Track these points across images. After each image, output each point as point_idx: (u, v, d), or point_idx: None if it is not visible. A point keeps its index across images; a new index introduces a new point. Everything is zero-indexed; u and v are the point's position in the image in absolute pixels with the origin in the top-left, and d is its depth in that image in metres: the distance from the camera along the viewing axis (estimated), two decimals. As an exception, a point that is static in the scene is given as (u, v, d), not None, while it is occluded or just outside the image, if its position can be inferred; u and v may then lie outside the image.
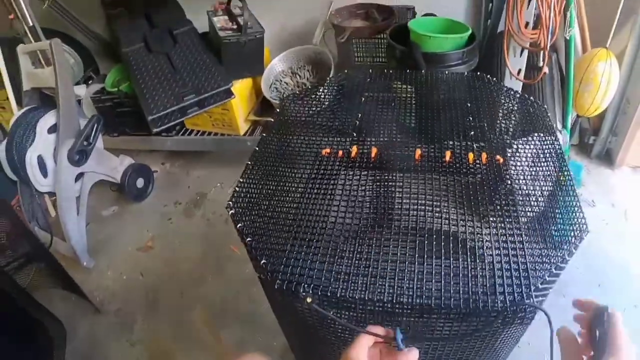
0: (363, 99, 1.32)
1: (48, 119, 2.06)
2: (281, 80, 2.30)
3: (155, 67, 2.12)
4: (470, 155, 1.11)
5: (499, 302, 0.76)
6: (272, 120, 1.26)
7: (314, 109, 1.33)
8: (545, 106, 1.24)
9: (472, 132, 1.18)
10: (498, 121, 1.27)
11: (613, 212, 1.96)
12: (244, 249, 1.95)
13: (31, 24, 2.15)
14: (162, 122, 2.01)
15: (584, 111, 1.89)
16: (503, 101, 1.29)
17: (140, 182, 2.38)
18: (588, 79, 1.80)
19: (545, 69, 1.83)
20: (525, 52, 1.87)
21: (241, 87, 2.21)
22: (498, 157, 1.11)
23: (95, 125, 2.06)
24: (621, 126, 2.14)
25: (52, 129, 2.07)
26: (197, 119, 2.29)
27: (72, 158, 2.03)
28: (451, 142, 1.15)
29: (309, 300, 0.81)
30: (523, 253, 0.84)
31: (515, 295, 0.77)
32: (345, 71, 1.44)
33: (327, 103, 1.34)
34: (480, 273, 0.81)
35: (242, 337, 1.68)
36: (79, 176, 2.13)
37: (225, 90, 2.05)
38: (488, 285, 0.79)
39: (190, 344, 1.70)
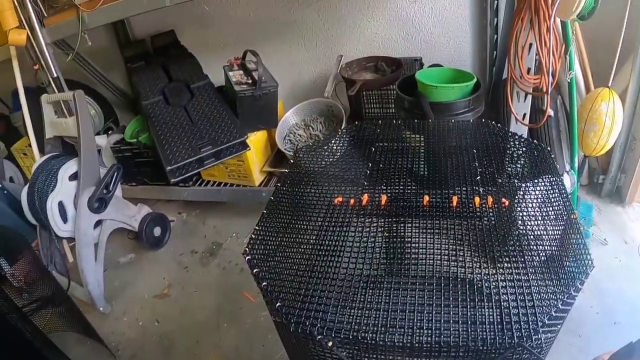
0: (373, 149, 1.37)
1: (70, 167, 2.15)
2: (295, 132, 2.37)
3: (174, 120, 2.20)
4: (477, 200, 1.15)
5: (506, 338, 0.79)
6: (287, 170, 1.32)
7: (326, 159, 1.38)
8: (549, 148, 1.27)
9: (478, 177, 1.22)
10: (503, 165, 1.30)
11: (626, 249, 1.95)
12: (259, 297, 1.99)
13: (55, 74, 2.24)
14: (180, 172, 2.07)
15: (590, 151, 1.90)
16: (507, 146, 1.33)
17: (157, 231, 2.43)
18: (592, 119, 1.81)
19: (550, 112, 1.86)
20: (529, 97, 1.91)
21: (256, 139, 2.28)
22: (503, 200, 1.15)
23: (115, 174, 2.13)
24: (629, 163, 2.15)
25: (73, 177, 2.14)
26: (213, 170, 2.36)
27: (92, 205, 2.09)
28: (458, 188, 1.19)
29: (330, 344, 0.84)
30: (530, 291, 0.88)
31: (523, 331, 0.80)
32: (356, 123, 1.50)
33: (339, 154, 1.40)
34: (488, 312, 0.84)
35: (256, 384, 1.69)
36: (98, 223, 2.19)
37: (241, 142, 2.12)
38: (495, 323, 0.82)
39: (204, 391, 1.72)
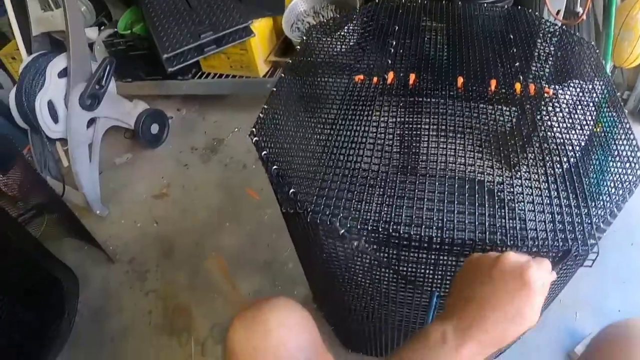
0: (397, 27, 1.21)
1: (58, 62, 1.98)
2: (303, 20, 2.16)
3: (170, 5, 2.00)
4: (517, 86, 1.02)
5: (560, 241, 0.69)
6: (299, 48, 1.16)
7: (342, 39, 1.23)
8: (593, 43, 1.13)
9: (518, 63, 1.08)
10: (544, 55, 1.17)
11: (647, 168, 1.84)
12: (262, 194, 1.89)
13: (39, -36, 2.02)
14: (177, 60, 1.89)
15: (622, 61, 1.78)
16: (550, 36, 1.18)
17: (154, 128, 2.29)
18: (628, 27, 1.67)
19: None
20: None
21: (261, 27, 2.07)
22: (547, 89, 1.02)
23: (108, 68, 1.96)
24: (657, 81, 2.00)
25: (63, 73, 1.98)
26: (213, 60, 2.18)
27: (84, 102, 1.94)
28: (494, 72, 1.04)
29: (355, 244, 0.73)
30: (583, 192, 0.78)
31: (577, 234, 0.71)
32: (375, 1, 1.32)
33: (356, 33, 1.24)
34: (536, 212, 0.74)
35: (260, 286, 1.61)
36: (91, 122, 2.04)
37: (245, 28, 1.92)
38: (546, 222, 0.72)
39: (205, 293, 1.64)
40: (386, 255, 0.80)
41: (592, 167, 0.84)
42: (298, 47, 2.01)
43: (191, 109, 2.51)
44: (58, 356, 1.57)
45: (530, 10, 1.26)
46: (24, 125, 2.07)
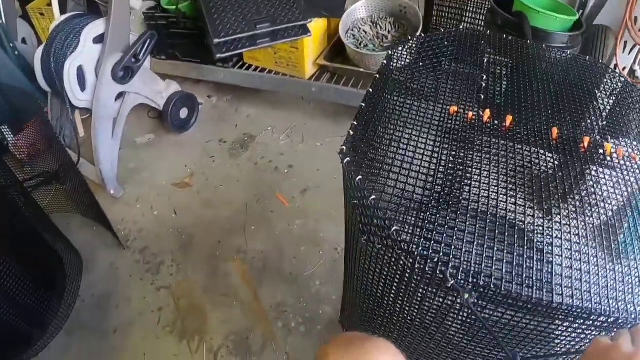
0: (485, 60, 1.15)
1: (96, 27, 1.86)
2: (360, 28, 2.10)
3: (227, -11, 1.90)
4: (608, 147, 0.96)
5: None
6: (384, 63, 1.09)
7: (428, 62, 1.15)
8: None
9: (605, 123, 1.05)
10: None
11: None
12: (293, 202, 1.78)
13: None
14: (228, 48, 1.80)
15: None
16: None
17: (184, 112, 2.19)
18: None
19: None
20: (635, 50, 1.76)
21: (316, 27, 2.00)
22: (634, 155, 0.97)
23: (148, 42, 1.87)
24: None
25: (99, 39, 1.86)
26: (258, 53, 2.10)
27: (117, 74, 1.84)
28: (584, 128, 1.01)
29: (466, 296, 0.65)
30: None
31: None
32: (460, 27, 1.27)
33: (443, 56, 1.17)
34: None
35: (283, 299, 1.52)
36: (120, 95, 1.94)
37: (302, 25, 1.85)
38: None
39: (223, 297, 1.55)
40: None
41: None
42: (354, 57, 1.97)
43: (223, 98, 2.40)
44: (52, 340, 1.46)
45: (611, 67, 1.23)
46: (45, 87, 1.95)
